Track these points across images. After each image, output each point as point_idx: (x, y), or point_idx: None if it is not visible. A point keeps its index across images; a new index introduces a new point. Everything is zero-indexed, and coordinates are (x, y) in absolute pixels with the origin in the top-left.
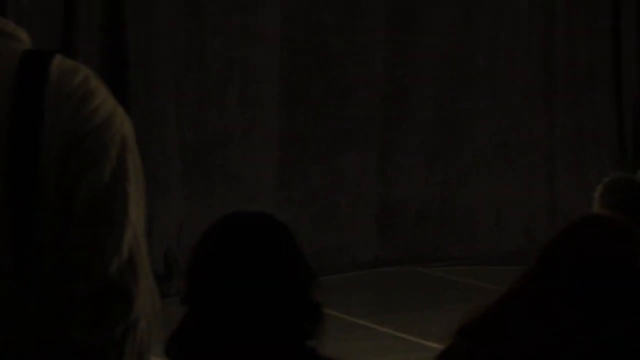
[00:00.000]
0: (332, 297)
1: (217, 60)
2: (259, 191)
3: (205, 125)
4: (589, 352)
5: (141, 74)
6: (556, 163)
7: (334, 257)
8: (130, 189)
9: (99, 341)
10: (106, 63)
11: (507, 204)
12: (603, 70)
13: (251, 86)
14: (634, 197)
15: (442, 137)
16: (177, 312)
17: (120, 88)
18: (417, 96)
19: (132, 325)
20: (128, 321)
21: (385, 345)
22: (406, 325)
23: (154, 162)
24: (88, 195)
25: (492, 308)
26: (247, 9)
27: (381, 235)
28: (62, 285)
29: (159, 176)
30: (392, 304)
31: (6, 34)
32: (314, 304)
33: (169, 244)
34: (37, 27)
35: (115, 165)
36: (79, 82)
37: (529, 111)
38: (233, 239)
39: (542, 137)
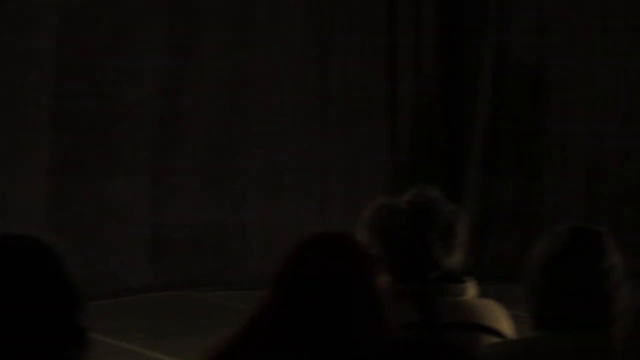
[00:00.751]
0: (100, 322)
1: None
2: (28, 215)
3: None
4: None
5: None
6: (329, 188)
7: (104, 282)
8: None
9: None
10: None
11: (281, 228)
12: (378, 96)
13: (20, 109)
14: (397, 220)
15: (216, 161)
16: None
17: None
18: (192, 120)
19: None
20: None
21: None
22: (176, 351)
23: None
24: None
25: (235, 336)
26: (18, 29)
27: (153, 260)
28: None
29: None
30: (162, 329)
31: None
32: (80, 329)
33: None
34: None
35: None
36: None
37: (304, 136)
38: None
39: (316, 162)
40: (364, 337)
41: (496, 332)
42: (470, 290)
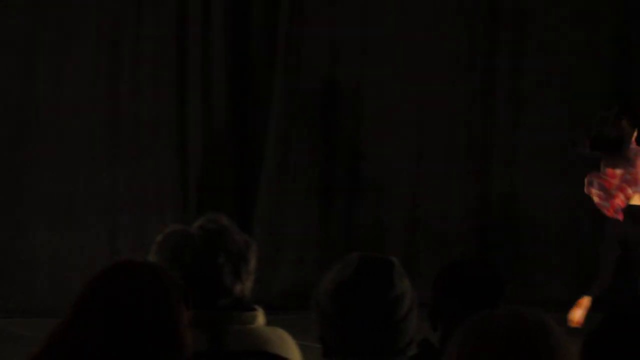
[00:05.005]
0: None
1: None
2: None
3: None
4: None
5: None
6: (119, 217)
7: None
8: None
9: None
10: None
11: (69, 257)
12: (167, 126)
13: None
14: (188, 246)
15: (2, 185)
16: None
17: None
18: None
19: None
20: None
21: None
22: None
23: None
24: None
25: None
26: None
27: None
28: None
29: None
30: None
31: None
32: None
33: None
34: None
35: None
36: None
37: (94, 164)
38: None
39: (105, 191)
40: None
41: None
42: (260, 318)
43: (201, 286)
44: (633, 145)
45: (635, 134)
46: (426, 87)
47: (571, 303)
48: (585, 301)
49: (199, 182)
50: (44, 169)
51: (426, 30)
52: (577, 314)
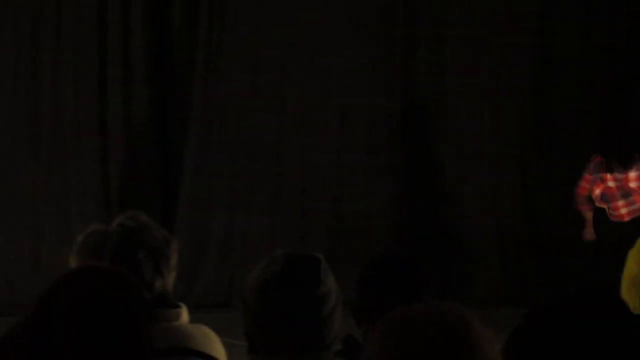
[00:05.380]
0: None
1: None
2: None
3: None
4: None
5: None
6: (42, 216)
7: None
8: None
9: None
10: None
11: None
12: (88, 124)
13: None
14: (108, 244)
15: None
16: None
17: None
18: None
19: None
20: None
21: None
22: None
23: None
24: None
25: None
26: None
27: None
28: None
29: None
30: None
31: None
32: None
33: None
34: None
35: None
36: None
37: (15, 163)
38: None
39: (27, 191)
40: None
41: (210, 358)
42: (184, 315)
43: None
44: None
45: None
46: (346, 89)
47: (494, 301)
48: None
49: (121, 180)
50: None
51: (346, 34)
52: None
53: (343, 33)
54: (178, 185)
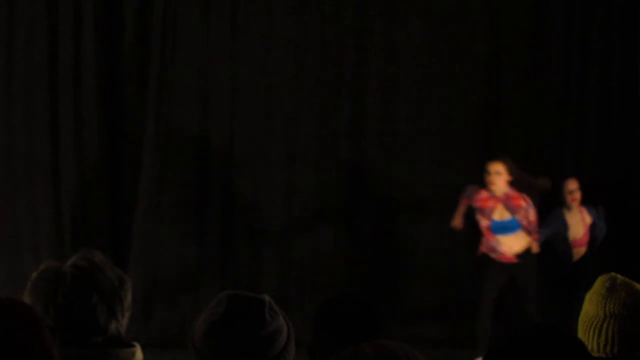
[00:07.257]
0: None
1: None
2: None
3: None
4: None
5: None
6: None
7: None
8: None
9: None
10: None
11: None
12: (41, 161)
13: None
14: (61, 284)
15: None
16: None
17: None
18: None
19: None
20: None
21: None
22: None
23: None
24: None
25: None
26: None
27: None
28: None
29: None
30: None
31: None
32: None
33: None
34: None
35: None
36: None
37: None
38: None
39: None
40: None
41: None
42: (138, 354)
43: (75, 325)
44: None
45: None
46: (295, 123)
47: (444, 340)
48: None
49: (74, 218)
50: None
51: (297, 62)
52: None
53: (295, 64)
54: (131, 223)
